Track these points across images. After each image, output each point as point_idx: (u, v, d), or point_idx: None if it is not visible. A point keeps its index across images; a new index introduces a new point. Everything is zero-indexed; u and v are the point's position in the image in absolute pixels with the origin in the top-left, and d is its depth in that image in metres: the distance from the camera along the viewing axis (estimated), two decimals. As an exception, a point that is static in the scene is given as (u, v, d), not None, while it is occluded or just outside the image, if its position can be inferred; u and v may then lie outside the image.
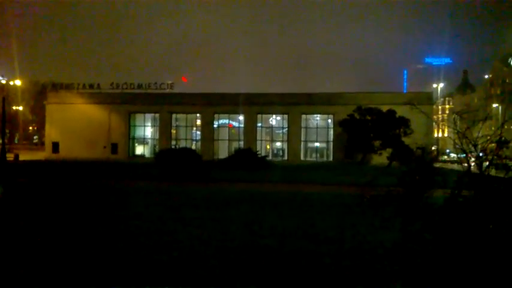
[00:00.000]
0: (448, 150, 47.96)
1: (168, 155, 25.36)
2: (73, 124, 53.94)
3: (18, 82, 58.59)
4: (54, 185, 17.82)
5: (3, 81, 50.31)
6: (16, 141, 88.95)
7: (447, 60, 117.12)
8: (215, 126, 55.30)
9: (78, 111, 54.30)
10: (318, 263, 6.49)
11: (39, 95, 78.71)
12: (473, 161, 5.37)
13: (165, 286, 5.36)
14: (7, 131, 61.38)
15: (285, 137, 54.54)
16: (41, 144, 78.08)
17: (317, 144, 55.42)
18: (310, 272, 6.04)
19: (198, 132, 56.46)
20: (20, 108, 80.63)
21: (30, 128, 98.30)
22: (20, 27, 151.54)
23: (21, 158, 45.04)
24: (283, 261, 6.56)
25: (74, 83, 56.81)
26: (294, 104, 51.15)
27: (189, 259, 6.62)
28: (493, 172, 5.38)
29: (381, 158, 41.19)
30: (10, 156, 44.46)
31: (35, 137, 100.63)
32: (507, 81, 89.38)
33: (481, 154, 5.45)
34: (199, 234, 8.40)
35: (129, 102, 54.17)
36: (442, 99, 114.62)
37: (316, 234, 8.59)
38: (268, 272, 5.99)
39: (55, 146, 54.88)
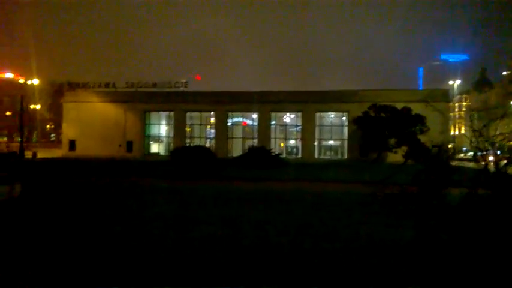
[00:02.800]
0: (465, 148, 47.28)
1: (182, 153, 25.51)
2: (89, 122, 54.60)
3: (35, 81, 59.53)
4: (72, 183, 18.08)
5: (21, 81, 51.11)
6: (34, 140, 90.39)
7: (464, 56, 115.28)
8: (229, 124, 55.37)
9: (94, 109, 54.94)
10: (332, 261, 6.45)
11: (56, 94, 79.72)
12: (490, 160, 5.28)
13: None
14: (25, 129, 62.42)
15: (299, 135, 54.31)
16: (58, 142, 79.21)
17: (331, 142, 55.07)
18: (324, 270, 6.01)
19: (212, 131, 56.59)
20: (38, 107, 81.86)
21: (48, 126, 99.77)
22: (37, 27, 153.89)
23: (39, 155, 45.84)
24: (296, 259, 6.54)
25: (90, 82, 57.43)
26: (308, 102, 50.87)
27: (202, 257, 6.65)
28: (510, 170, 5.29)
29: (396, 156, 40.70)
30: (28, 154, 45.32)
31: (52, 135, 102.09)
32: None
33: (498, 152, 5.35)
34: (212, 233, 8.44)
35: (144, 100, 54.58)
36: (458, 96, 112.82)
37: (329, 232, 8.55)
38: (280, 270, 5.98)
39: (71, 144, 55.62)
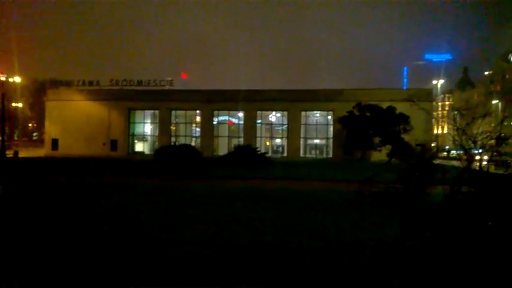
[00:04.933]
0: (447, 147, 48.03)
1: (167, 151, 25.34)
2: (72, 121, 53.90)
3: (17, 79, 58.43)
4: (54, 183, 17.82)
5: (3, 78, 50.22)
6: (16, 138, 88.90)
7: (447, 56, 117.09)
8: (215, 123, 55.26)
9: (77, 108, 54.25)
10: (318, 259, 6.50)
11: (38, 92, 78.61)
12: (478, 157, 5.36)
13: (166, 286, 5.33)
14: (6, 128, 61.29)
15: (285, 134, 54.52)
16: (41, 141, 78.07)
17: (317, 140, 55.41)
18: (311, 269, 6.05)
19: (198, 129, 56.42)
20: (20, 105, 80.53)
21: (30, 124, 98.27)
22: (19, 24, 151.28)
23: (21, 154, 45.10)
24: (284, 258, 6.57)
25: (73, 79, 56.72)
26: (294, 101, 51.09)
27: (190, 257, 6.62)
28: (492, 169, 5.38)
29: (380, 155, 41.19)
30: (10, 153, 44.52)
31: (35, 134, 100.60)
32: (507, 77, 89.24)
33: (480, 150, 5.45)
34: (200, 232, 8.41)
35: (128, 98, 54.08)
36: (442, 95, 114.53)
37: (316, 230, 8.60)
38: (269, 269, 6.00)
39: (54, 143, 54.84)
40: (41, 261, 6.27)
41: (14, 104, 77.85)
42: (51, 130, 55.95)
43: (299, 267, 6.09)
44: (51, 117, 55.90)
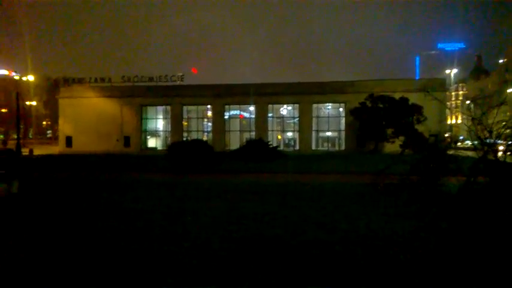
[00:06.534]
0: (462, 137, 47.39)
1: (180, 147, 25.45)
2: (86, 118, 54.42)
3: (31, 77, 59.12)
4: (69, 179, 18.05)
5: (17, 77, 50.85)
6: (30, 136, 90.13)
7: (460, 45, 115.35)
8: (226, 117, 55.29)
9: (90, 105, 54.72)
10: (330, 252, 6.47)
11: (51, 89, 79.47)
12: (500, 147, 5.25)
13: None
14: (21, 126, 62.15)
15: (296, 127, 54.31)
16: (55, 138, 79.00)
17: (329, 133, 55.11)
18: (323, 262, 6.02)
19: (210, 124, 56.51)
20: (33, 103, 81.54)
21: (44, 122, 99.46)
22: (32, 23, 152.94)
23: (36, 152, 45.67)
24: (295, 251, 6.55)
25: (86, 77, 57.13)
26: (305, 94, 50.82)
27: (200, 250, 6.65)
28: (509, 159, 5.29)
29: (393, 146, 40.83)
30: (25, 151, 45.13)
31: (49, 132, 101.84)
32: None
33: (499, 141, 5.35)
34: (211, 225, 8.44)
35: (140, 95, 54.38)
36: (455, 85, 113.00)
37: (328, 223, 8.56)
38: (279, 262, 5.99)
39: (68, 140, 55.47)
40: (53, 253, 6.38)
41: (28, 103, 78.88)
42: (64, 128, 56.57)
43: (309, 260, 6.06)
44: (65, 114, 56.51)
